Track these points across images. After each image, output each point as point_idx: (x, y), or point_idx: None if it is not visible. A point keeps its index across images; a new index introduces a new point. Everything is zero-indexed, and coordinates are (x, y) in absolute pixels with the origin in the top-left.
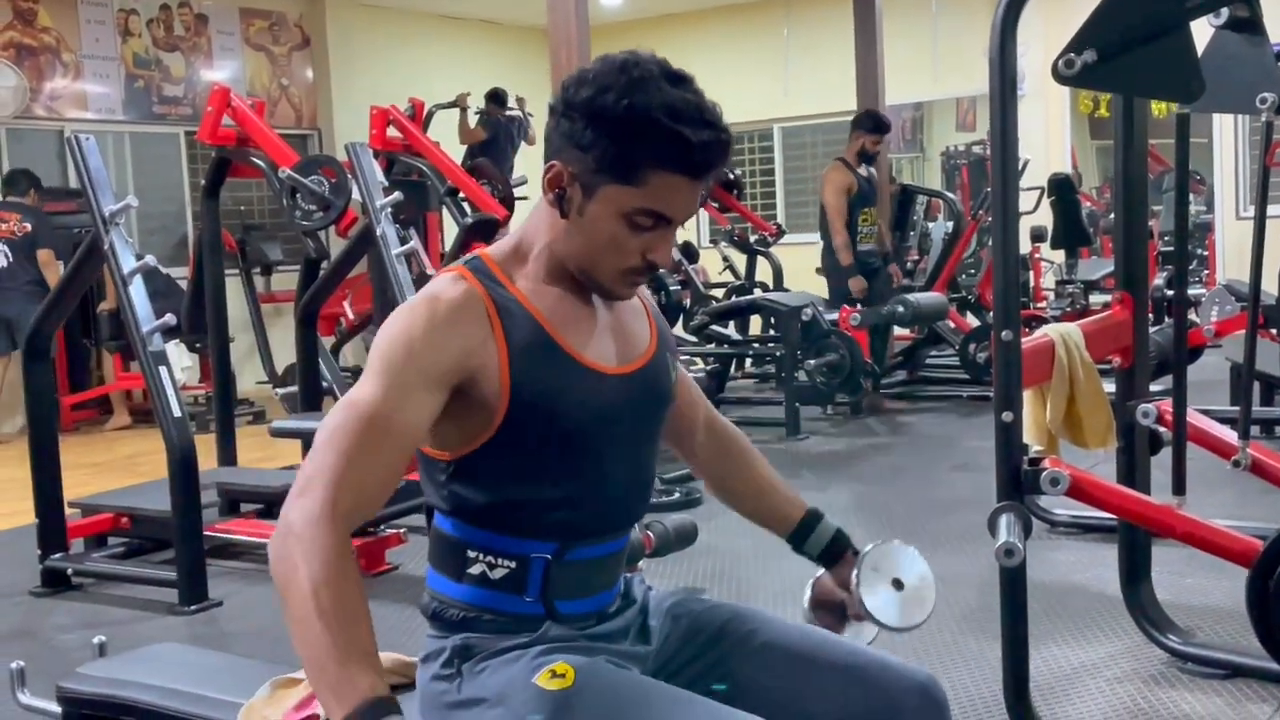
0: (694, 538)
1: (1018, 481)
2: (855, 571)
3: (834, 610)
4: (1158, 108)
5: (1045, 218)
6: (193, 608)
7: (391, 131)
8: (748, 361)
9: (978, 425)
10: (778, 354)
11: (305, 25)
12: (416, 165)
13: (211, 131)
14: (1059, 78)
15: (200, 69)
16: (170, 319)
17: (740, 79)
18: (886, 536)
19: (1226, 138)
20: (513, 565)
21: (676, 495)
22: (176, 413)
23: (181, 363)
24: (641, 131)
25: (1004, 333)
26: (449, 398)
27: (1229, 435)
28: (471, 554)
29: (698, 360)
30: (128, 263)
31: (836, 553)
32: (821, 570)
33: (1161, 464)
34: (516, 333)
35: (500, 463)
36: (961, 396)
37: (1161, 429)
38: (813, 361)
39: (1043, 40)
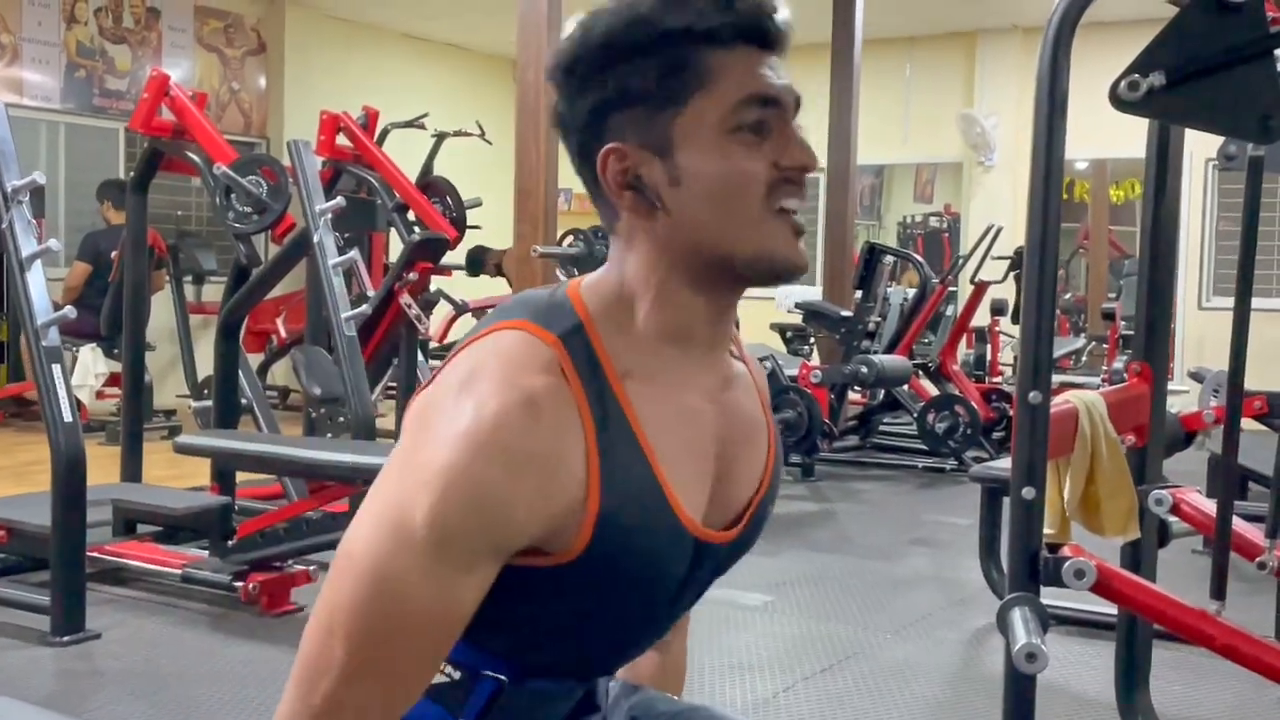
0: None
1: (1035, 571)
2: None
3: None
4: (1116, 193)
5: (1006, 290)
6: (66, 639)
7: (342, 140)
8: None
9: (935, 498)
10: None
11: (262, 30)
12: (364, 178)
13: (145, 120)
14: (1118, 103)
15: (147, 64)
16: (69, 311)
17: None
18: (843, 610)
19: (1193, 221)
20: (456, 676)
21: None
22: (67, 418)
23: (96, 368)
24: (668, 23)
25: (1031, 394)
26: None
27: (1254, 533)
28: None
29: None
30: (27, 246)
31: None
32: None
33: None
34: (617, 468)
35: (507, 596)
36: (916, 467)
37: (1174, 519)
38: None
39: (1015, 110)
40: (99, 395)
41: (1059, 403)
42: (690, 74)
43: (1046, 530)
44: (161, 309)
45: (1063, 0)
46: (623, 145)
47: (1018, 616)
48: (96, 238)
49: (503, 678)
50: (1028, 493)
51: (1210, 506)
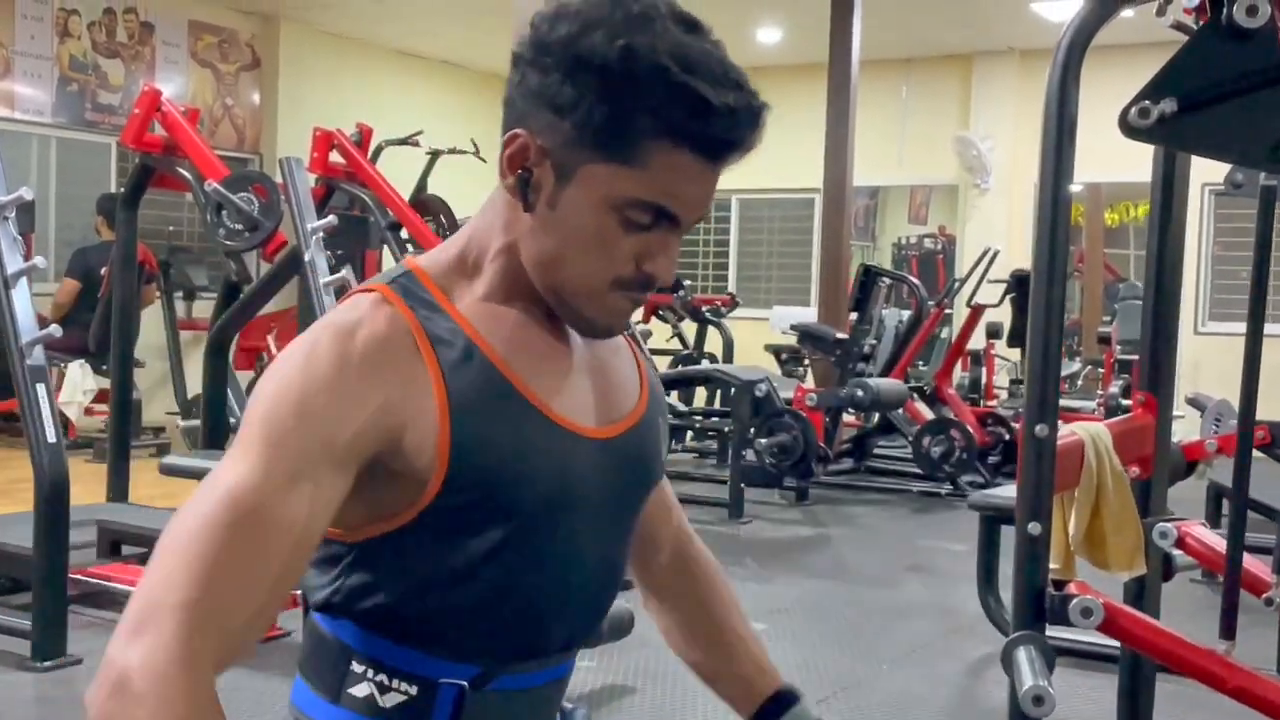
0: (629, 628)
1: (1041, 609)
2: None
3: None
4: (1111, 217)
5: (1002, 314)
6: (47, 664)
7: (335, 157)
8: (688, 435)
9: (931, 523)
10: (725, 429)
11: (257, 46)
12: (358, 195)
13: (137, 135)
14: (1128, 130)
15: (141, 79)
16: (54, 330)
17: None
18: (839, 639)
19: (1189, 245)
20: (413, 692)
21: None
22: (51, 438)
23: (84, 384)
24: (643, 85)
25: (1038, 427)
26: (360, 472)
27: (1260, 567)
28: (358, 667)
29: None
30: (13, 263)
31: None
32: None
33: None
34: (460, 375)
35: (421, 551)
36: (911, 491)
37: (1178, 553)
38: (764, 441)
39: (1011, 133)
40: (87, 411)
41: (1064, 434)
42: (622, 142)
43: (1051, 566)
44: (152, 325)
45: (1072, 23)
46: (534, 140)
47: (1023, 657)
48: (87, 254)
49: (462, 683)
50: (1034, 528)
51: (1215, 540)
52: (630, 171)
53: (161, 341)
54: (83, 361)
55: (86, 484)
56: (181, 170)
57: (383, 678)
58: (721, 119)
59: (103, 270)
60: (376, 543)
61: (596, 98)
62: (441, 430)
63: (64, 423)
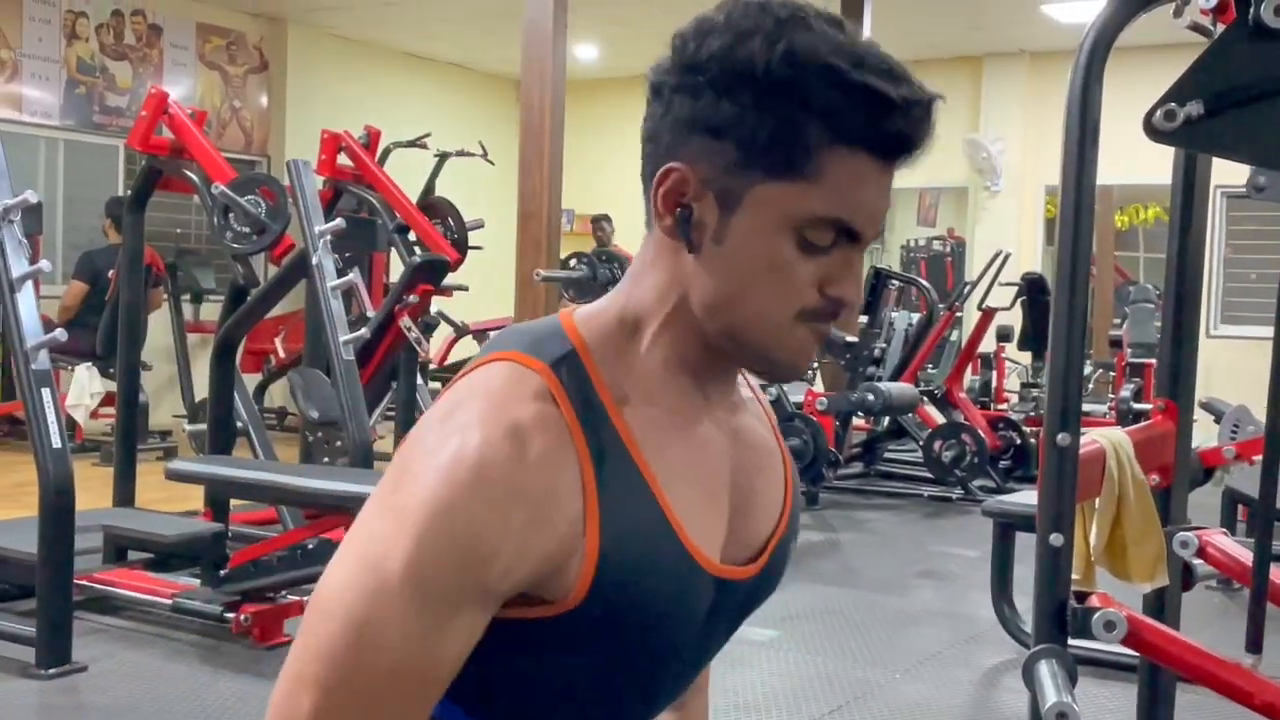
0: None
1: (1063, 622)
2: None
3: None
4: (1120, 219)
5: (1014, 317)
6: (51, 671)
7: (343, 160)
8: None
9: (943, 528)
10: None
11: (265, 48)
12: (366, 198)
13: (143, 138)
14: (1152, 133)
15: (148, 81)
16: (60, 334)
17: None
18: (851, 647)
19: None
20: None
21: None
22: (56, 443)
23: (91, 387)
24: (813, 89)
25: (1060, 435)
26: None
27: None
28: None
29: None
30: (18, 266)
31: None
32: None
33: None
34: (617, 504)
35: (514, 652)
36: (922, 495)
37: (1199, 562)
38: None
39: (1021, 135)
40: (94, 414)
41: (1085, 443)
42: (798, 157)
43: (1072, 577)
44: (159, 328)
45: (1094, 25)
46: (691, 171)
47: (1045, 671)
48: (94, 256)
49: None
50: (1055, 539)
51: (1238, 549)
52: (807, 187)
53: (169, 344)
54: (90, 364)
55: (93, 488)
56: (188, 173)
57: None
58: (900, 114)
59: (110, 273)
60: (492, 625)
61: (761, 110)
62: (589, 563)
63: (71, 426)
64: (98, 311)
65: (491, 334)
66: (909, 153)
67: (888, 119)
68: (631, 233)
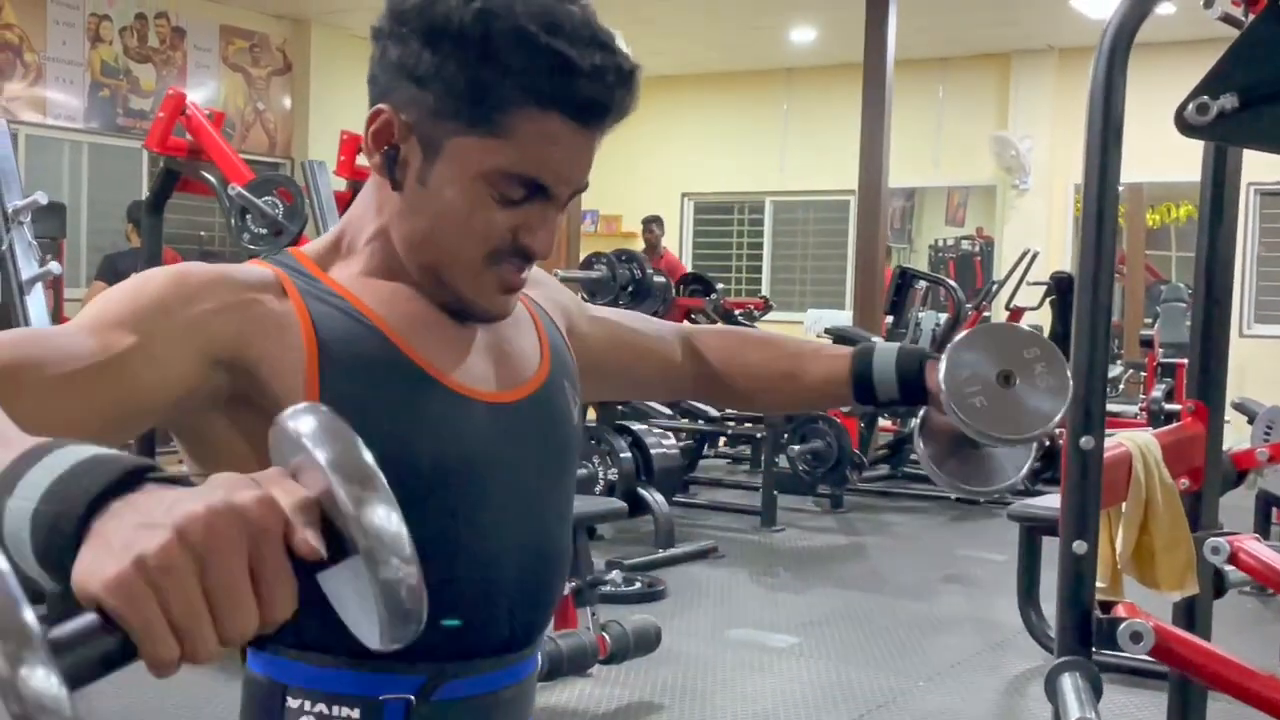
0: (656, 643)
1: (1087, 633)
2: (941, 365)
3: (952, 443)
4: (1152, 218)
5: (1043, 317)
6: None
7: (363, 161)
8: (721, 441)
9: (969, 532)
10: (757, 435)
11: (288, 50)
12: None
13: (161, 139)
14: (1184, 127)
15: (172, 84)
16: None
17: (735, 148)
18: (874, 654)
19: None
20: (356, 715)
21: (637, 585)
22: None
23: None
24: (503, 50)
25: (1084, 439)
26: (215, 398)
27: None
28: (294, 702)
29: (669, 435)
30: (28, 268)
31: (915, 369)
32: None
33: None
34: (335, 327)
35: None
36: (949, 498)
37: (1231, 568)
38: (796, 447)
39: (1049, 133)
40: None
41: (1111, 446)
42: (486, 111)
43: (1098, 585)
44: None
45: (1116, 14)
46: (398, 115)
47: (1068, 684)
48: (115, 259)
49: (408, 696)
50: (1079, 547)
51: (1272, 555)
52: (498, 143)
53: None
54: None
55: None
56: (206, 174)
57: (321, 707)
58: (588, 80)
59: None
60: None
61: (456, 66)
62: (309, 378)
63: None
64: None
65: None
66: (600, 118)
67: (576, 83)
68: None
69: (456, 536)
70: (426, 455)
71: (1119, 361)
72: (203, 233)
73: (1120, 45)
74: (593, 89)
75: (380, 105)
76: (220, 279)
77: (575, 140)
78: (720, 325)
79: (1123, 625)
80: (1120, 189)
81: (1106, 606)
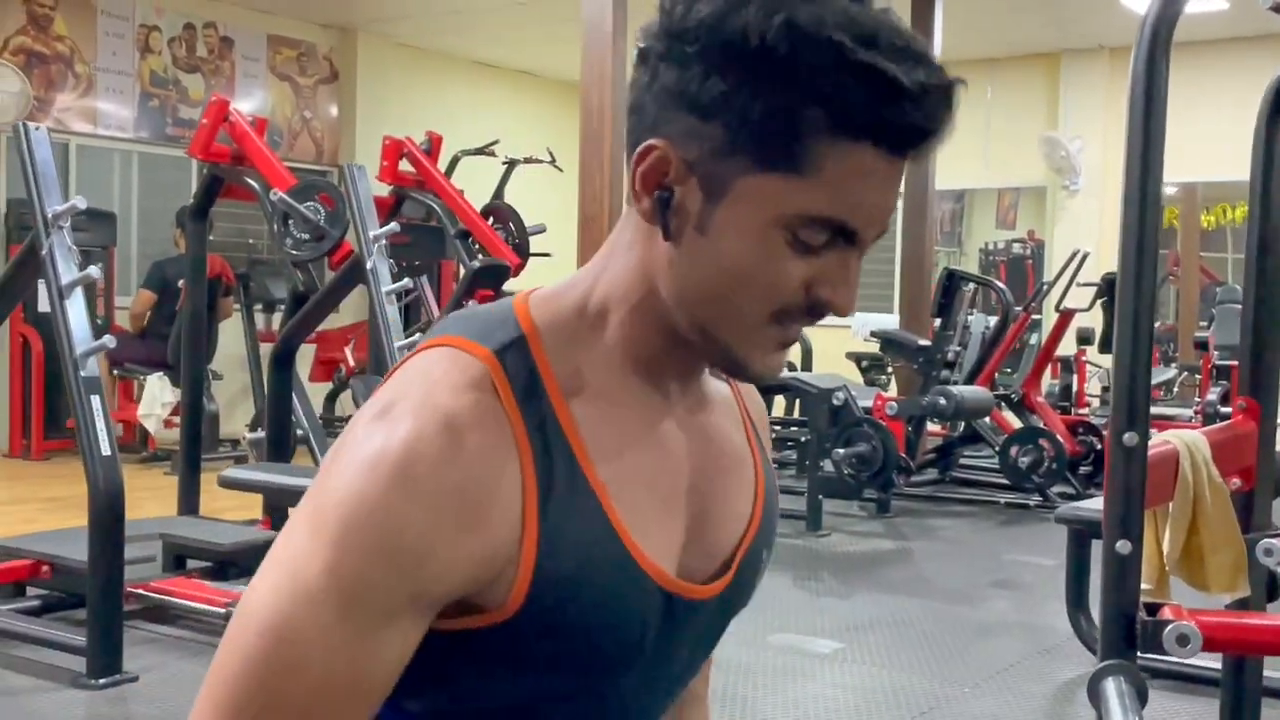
0: None
1: (1132, 636)
2: None
3: None
4: (1207, 219)
5: (1093, 319)
6: (101, 681)
7: (407, 167)
8: None
9: (1018, 536)
10: (802, 439)
11: (335, 59)
12: (433, 206)
13: (205, 146)
14: None
15: (221, 93)
16: (108, 341)
17: None
18: (919, 659)
19: None
20: None
21: None
22: (105, 451)
23: (163, 397)
24: (813, 69)
25: (1127, 435)
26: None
27: None
28: None
29: None
30: (67, 273)
31: None
32: None
33: None
34: (557, 506)
35: (469, 661)
36: (999, 502)
37: None
38: (841, 451)
39: (1100, 133)
40: (166, 424)
41: (1157, 443)
42: (794, 146)
43: (1144, 586)
44: (231, 337)
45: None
46: (675, 151)
47: (1112, 689)
48: (164, 266)
49: None
50: (1123, 547)
51: None
52: (801, 182)
53: (241, 354)
54: (162, 374)
55: (162, 496)
56: (249, 180)
57: None
58: (913, 103)
59: (180, 283)
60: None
61: (753, 91)
62: (526, 567)
63: (143, 435)
64: (169, 321)
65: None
66: (921, 148)
67: (899, 108)
68: None
69: (574, 711)
70: (609, 649)
71: (1174, 364)
72: (251, 240)
73: (1162, 29)
74: (917, 114)
75: (652, 141)
76: (476, 503)
77: (887, 174)
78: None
79: (1169, 628)
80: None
81: (1153, 609)
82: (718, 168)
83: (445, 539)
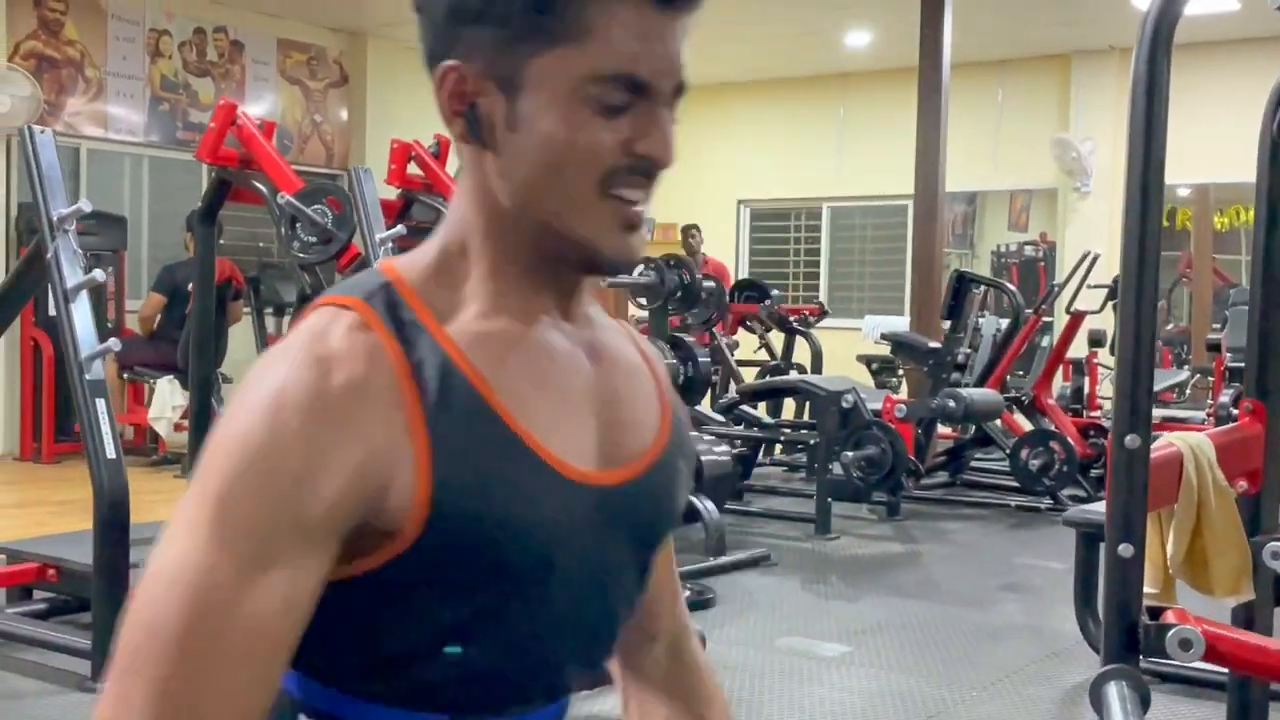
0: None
1: (1134, 640)
2: None
3: None
4: (1220, 221)
5: (1105, 321)
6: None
7: (415, 170)
8: (776, 448)
9: (1028, 539)
10: (811, 442)
11: (345, 62)
12: (436, 206)
13: (212, 150)
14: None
15: (231, 97)
16: (114, 344)
17: (791, 154)
18: (927, 663)
19: None
20: None
21: (685, 594)
22: (110, 454)
23: (173, 400)
24: None
25: (1129, 437)
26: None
27: None
28: None
29: (721, 442)
30: (72, 276)
31: None
32: None
33: None
34: (445, 415)
35: (389, 600)
36: (1009, 505)
37: None
38: (850, 454)
39: (1112, 134)
40: (177, 427)
41: (1160, 446)
42: (562, 18)
43: (1148, 590)
44: (242, 341)
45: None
46: (466, 66)
47: (1114, 694)
48: (174, 269)
49: None
50: (1125, 550)
51: None
52: (580, 48)
53: (252, 357)
54: (171, 378)
55: (173, 500)
56: (257, 183)
57: None
58: None
59: (190, 286)
60: (337, 589)
61: None
62: (422, 479)
63: (154, 438)
64: (179, 324)
65: None
66: None
67: None
68: (711, 241)
69: (529, 620)
70: (525, 547)
71: (1187, 367)
72: (261, 243)
73: (1162, 33)
74: None
75: (445, 64)
76: (351, 417)
77: (663, 25)
78: (704, 657)
79: (1171, 632)
80: (1187, 191)
81: (1157, 613)
82: (505, 64)
83: (317, 454)
